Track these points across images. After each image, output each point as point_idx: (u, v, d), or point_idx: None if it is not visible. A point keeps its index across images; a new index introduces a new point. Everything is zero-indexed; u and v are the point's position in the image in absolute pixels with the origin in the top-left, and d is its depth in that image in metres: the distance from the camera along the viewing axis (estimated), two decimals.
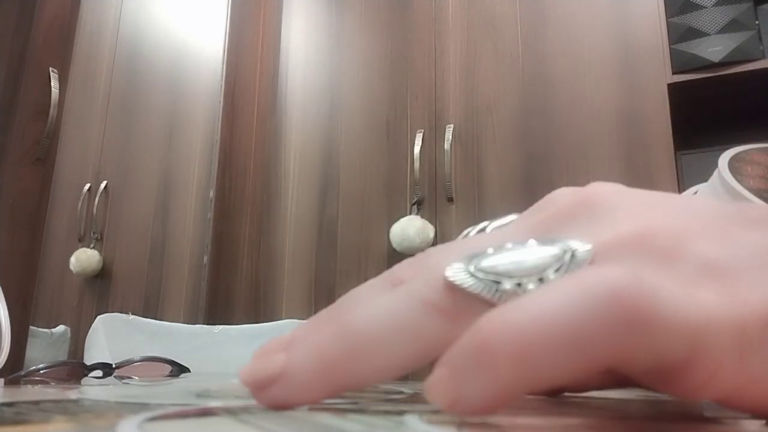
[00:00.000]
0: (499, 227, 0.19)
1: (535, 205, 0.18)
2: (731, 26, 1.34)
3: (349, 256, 1.63)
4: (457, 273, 0.14)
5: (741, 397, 0.14)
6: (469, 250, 0.15)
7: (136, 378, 0.47)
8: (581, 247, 0.14)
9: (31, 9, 1.26)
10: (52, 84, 1.25)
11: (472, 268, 0.14)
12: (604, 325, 0.12)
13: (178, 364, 0.53)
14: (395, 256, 1.54)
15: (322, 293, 1.64)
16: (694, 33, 1.37)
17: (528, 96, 1.54)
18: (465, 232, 0.19)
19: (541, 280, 0.14)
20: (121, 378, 0.46)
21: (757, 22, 1.34)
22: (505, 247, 0.15)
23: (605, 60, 1.48)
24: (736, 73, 1.33)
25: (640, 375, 0.14)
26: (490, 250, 0.15)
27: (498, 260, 0.14)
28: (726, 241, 0.15)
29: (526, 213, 0.18)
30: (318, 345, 0.15)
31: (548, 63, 1.54)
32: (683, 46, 1.38)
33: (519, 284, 0.14)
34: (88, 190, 1.89)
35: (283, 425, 0.13)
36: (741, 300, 0.13)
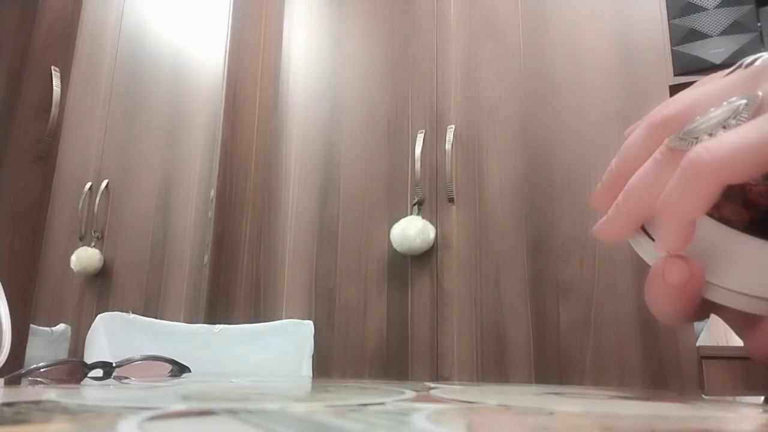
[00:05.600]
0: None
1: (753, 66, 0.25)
2: (733, 28, 1.34)
3: (349, 256, 1.63)
4: (672, 140, 0.23)
5: None
6: (686, 121, 0.24)
7: (136, 378, 0.47)
8: (751, 98, 0.22)
9: (33, 8, 1.26)
10: (53, 83, 1.25)
11: (680, 134, 0.23)
12: None
13: (179, 363, 0.53)
14: (395, 256, 1.54)
15: (322, 293, 1.64)
16: (696, 35, 1.37)
17: (529, 97, 1.54)
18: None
19: (724, 127, 0.21)
20: (120, 378, 0.46)
21: (759, 24, 1.33)
22: (708, 113, 0.23)
23: (607, 61, 1.48)
24: None
25: None
26: (698, 119, 0.23)
27: (697, 124, 0.23)
28: None
29: (740, 70, 0.25)
30: None
31: (550, 64, 1.54)
32: (685, 48, 1.38)
33: (711, 134, 0.22)
34: (90, 188, 1.89)
35: (283, 425, 0.13)
36: None
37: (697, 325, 1.34)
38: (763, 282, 0.21)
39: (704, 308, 0.24)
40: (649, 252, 0.24)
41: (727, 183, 0.20)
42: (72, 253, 1.81)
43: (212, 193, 1.72)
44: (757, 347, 0.23)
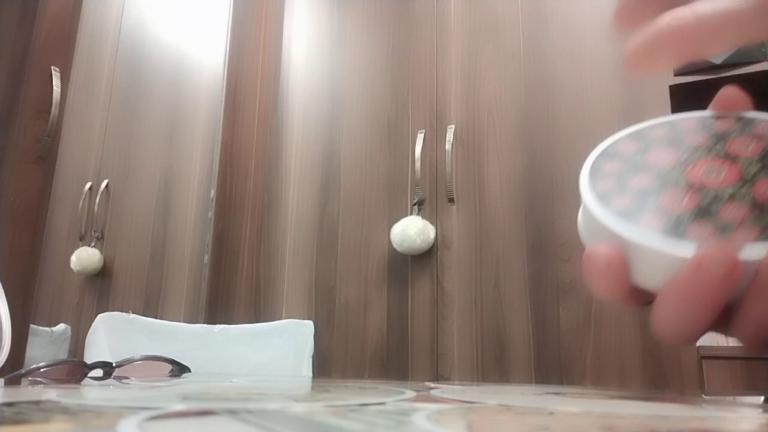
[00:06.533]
0: None
1: None
2: None
3: (349, 256, 1.63)
4: None
5: None
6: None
7: (136, 378, 0.47)
8: None
9: (33, 8, 1.26)
10: (53, 83, 1.25)
11: None
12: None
13: (179, 363, 0.53)
14: (395, 256, 1.54)
15: (322, 293, 1.64)
16: None
17: (529, 97, 1.54)
18: None
19: None
20: (120, 378, 0.46)
21: None
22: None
23: (606, 61, 1.48)
24: (737, 75, 1.33)
25: None
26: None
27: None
28: None
29: None
30: None
31: (550, 64, 1.54)
32: None
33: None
34: (90, 188, 1.90)
35: (283, 425, 0.13)
36: None
37: None
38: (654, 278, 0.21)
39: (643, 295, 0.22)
40: (595, 224, 0.22)
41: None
42: (72, 252, 1.81)
43: (212, 193, 1.72)
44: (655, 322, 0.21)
